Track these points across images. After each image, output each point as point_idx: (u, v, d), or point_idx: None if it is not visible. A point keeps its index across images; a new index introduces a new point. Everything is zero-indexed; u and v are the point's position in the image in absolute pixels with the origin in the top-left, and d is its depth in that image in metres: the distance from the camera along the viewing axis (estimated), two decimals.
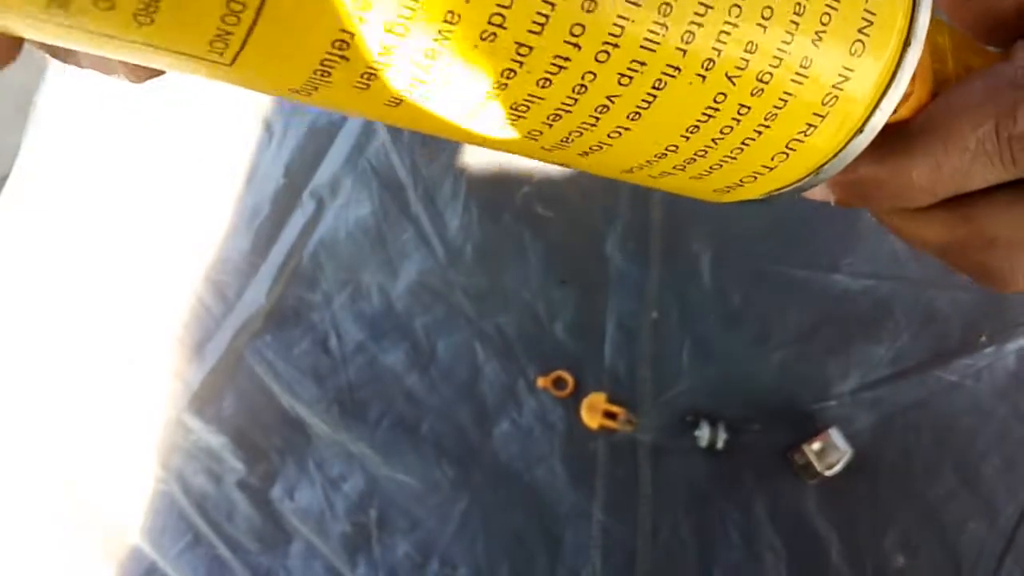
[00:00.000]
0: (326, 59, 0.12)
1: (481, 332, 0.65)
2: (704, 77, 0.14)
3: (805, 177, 0.17)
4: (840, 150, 0.16)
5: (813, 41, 0.14)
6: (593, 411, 0.63)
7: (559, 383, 0.64)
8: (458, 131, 0.14)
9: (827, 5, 0.14)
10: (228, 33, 0.11)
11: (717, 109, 0.14)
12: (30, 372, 0.70)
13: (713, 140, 0.15)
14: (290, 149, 0.68)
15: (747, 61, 0.14)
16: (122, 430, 0.68)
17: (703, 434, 0.62)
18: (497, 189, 0.66)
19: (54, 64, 0.74)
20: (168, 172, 0.70)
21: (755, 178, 0.17)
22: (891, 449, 0.63)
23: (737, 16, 0.13)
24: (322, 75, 0.12)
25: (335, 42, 0.11)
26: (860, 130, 0.16)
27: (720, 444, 0.61)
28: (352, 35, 0.11)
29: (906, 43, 0.16)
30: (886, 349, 0.63)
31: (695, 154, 0.16)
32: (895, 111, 0.18)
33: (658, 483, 0.62)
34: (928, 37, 0.19)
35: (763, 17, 0.14)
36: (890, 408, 0.63)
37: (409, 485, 0.64)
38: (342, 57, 0.12)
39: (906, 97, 0.18)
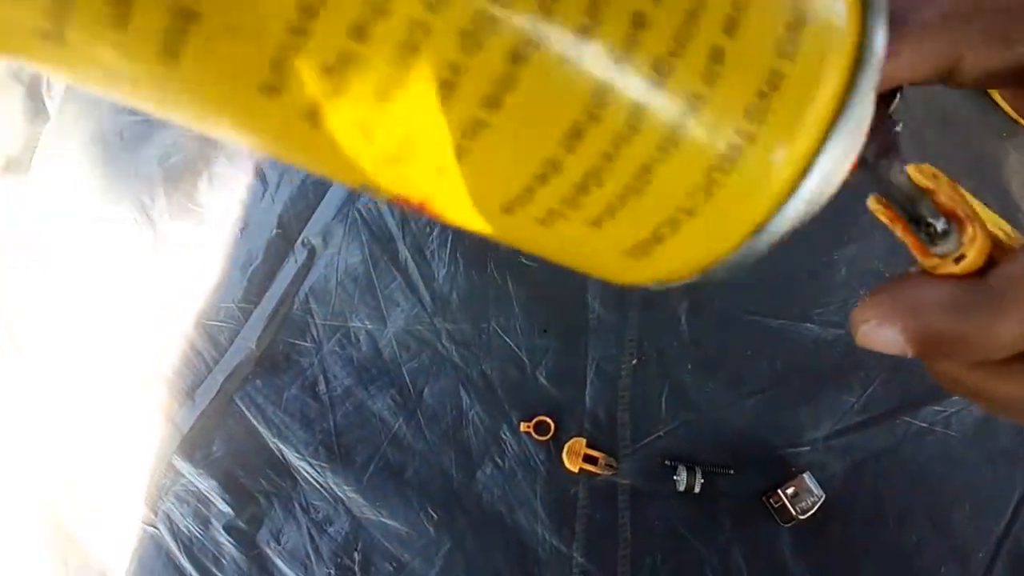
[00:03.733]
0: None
1: (466, 378, 0.66)
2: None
3: (741, 245, 0.17)
4: (768, 220, 0.16)
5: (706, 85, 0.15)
6: (574, 455, 0.64)
7: (541, 428, 0.65)
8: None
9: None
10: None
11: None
12: (20, 410, 0.71)
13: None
14: (284, 200, 0.70)
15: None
16: (112, 472, 0.69)
17: (681, 478, 0.63)
18: (482, 240, 0.68)
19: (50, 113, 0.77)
20: (165, 221, 0.72)
21: (674, 228, 0.16)
22: (863, 494, 0.64)
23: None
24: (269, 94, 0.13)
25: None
26: (791, 197, 0.16)
27: (697, 488, 0.63)
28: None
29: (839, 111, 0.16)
30: (857, 396, 0.65)
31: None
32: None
33: (637, 526, 0.64)
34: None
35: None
36: (861, 454, 0.64)
37: (394, 528, 0.65)
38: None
39: (958, 259, 0.18)
